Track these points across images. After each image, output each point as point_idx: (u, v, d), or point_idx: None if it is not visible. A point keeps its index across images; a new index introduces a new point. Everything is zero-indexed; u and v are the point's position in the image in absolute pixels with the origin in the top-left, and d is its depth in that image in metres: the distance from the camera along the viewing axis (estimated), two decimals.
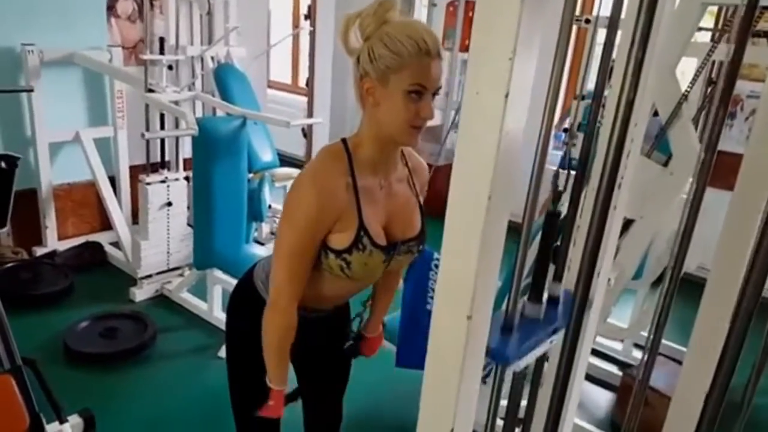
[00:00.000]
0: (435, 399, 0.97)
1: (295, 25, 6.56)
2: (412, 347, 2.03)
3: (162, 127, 3.60)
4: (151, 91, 3.22)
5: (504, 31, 0.77)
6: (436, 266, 1.97)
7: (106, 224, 3.97)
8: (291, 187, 1.30)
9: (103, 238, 4.01)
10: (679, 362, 2.81)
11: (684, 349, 3.10)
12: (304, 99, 6.33)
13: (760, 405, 2.34)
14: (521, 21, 0.76)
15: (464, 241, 0.86)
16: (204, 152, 2.94)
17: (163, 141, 3.58)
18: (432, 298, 2.04)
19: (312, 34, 5.70)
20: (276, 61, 6.93)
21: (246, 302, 1.48)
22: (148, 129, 3.37)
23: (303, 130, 6.22)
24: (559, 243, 1.18)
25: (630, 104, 0.85)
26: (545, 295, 1.14)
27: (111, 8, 3.96)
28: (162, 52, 3.75)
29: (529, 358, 1.08)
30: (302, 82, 6.64)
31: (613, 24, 1.03)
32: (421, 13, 5.29)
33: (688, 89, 2.27)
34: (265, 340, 1.36)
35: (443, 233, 0.88)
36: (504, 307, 1.06)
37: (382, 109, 1.23)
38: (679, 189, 2.28)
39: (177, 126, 3.62)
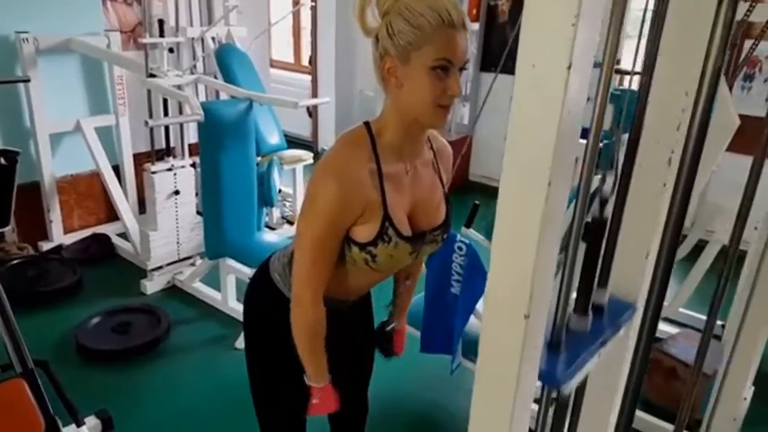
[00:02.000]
0: (490, 406, 0.88)
1: (296, 1, 6.37)
2: (437, 332, 1.97)
3: (165, 113, 3.49)
4: (152, 76, 3.10)
5: None
6: (459, 248, 1.88)
7: (113, 215, 3.89)
8: (311, 179, 1.20)
9: (110, 229, 3.93)
10: (717, 337, 2.77)
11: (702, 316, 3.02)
12: (308, 78, 6.20)
13: None
14: None
15: (521, 232, 0.76)
16: (211, 138, 2.82)
17: (167, 127, 3.47)
18: (457, 281, 1.96)
19: (313, 10, 5.54)
20: (277, 39, 6.76)
21: (263, 294, 1.43)
22: (151, 116, 3.26)
23: (308, 109, 6.09)
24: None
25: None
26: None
27: None
28: (162, 34, 3.61)
29: (579, 377, 0.98)
30: (305, 60, 6.48)
31: None
32: None
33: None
34: (297, 339, 1.29)
35: (495, 219, 0.78)
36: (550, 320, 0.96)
37: (405, 90, 1.13)
38: (714, 159, 2.16)
39: (181, 111, 3.50)
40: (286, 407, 1.48)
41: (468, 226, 2.34)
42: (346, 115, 5.90)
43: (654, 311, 0.82)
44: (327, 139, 6.02)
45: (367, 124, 1.23)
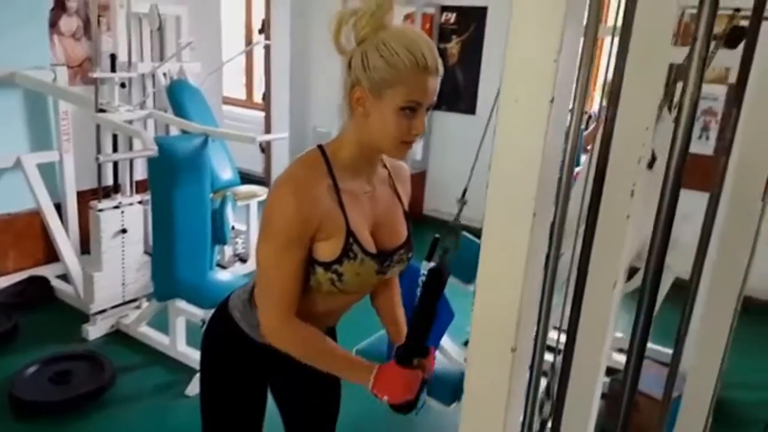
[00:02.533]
0: None
1: (248, 38, 6.38)
2: None
3: (115, 149, 3.36)
4: (102, 111, 2.99)
5: (549, 30, 0.66)
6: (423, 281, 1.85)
7: (52, 256, 3.68)
8: (267, 199, 1.18)
9: (48, 271, 3.70)
10: (664, 364, 2.81)
11: (666, 350, 3.08)
12: (260, 114, 6.17)
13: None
14: (566, 20, 0.65)
15: (507, 263, 0.74)
16: (164, 174, 2.72)
17: (116, 163, 3.34)
18: None
19: (267, 48, 5.55)
20: (228, 76, 6.72)
21: (222, 334, 1.37)
22: (99, 151, 3.13)
23: (261, 145, 6.03)
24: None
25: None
26: None
27: (54, 25, 3.69)
28: (113, 69, 3.51)
29: None
30: (257, 97, 6.45)
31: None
32: None
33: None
34: (299, 358, 1.23)
35: (481, 250, 0.76)
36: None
37: (371, 121, 1.14)
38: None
39: (131, 147, 3.39)
40: None
41: (429, 259, 2.33)
42: (300, 151, 5.82)
43: (638, 353, 0.81)
44: None
45: (320, 146, 1.22)
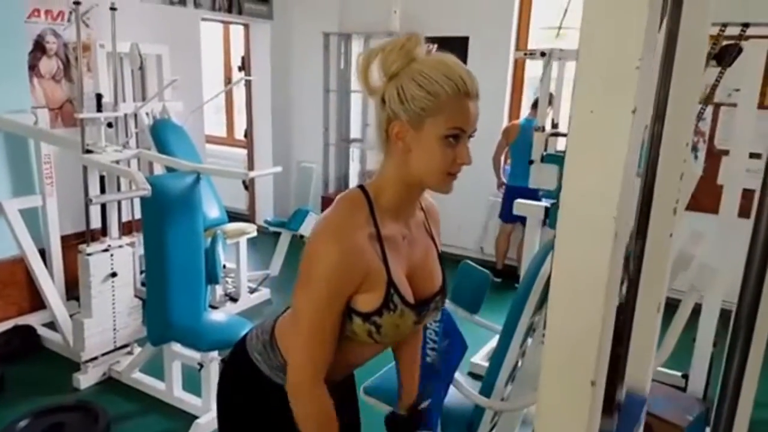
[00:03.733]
0: None
1: (227, 76, 6.38)
2: None
3: (102, 190, 3.29)
4: (89, 152, 2.92)
5: (632, 32, 0.63)
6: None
7: (37, 304, 3.56)
8: (308, 246, 1.11)
9: (33, 319, 3.57)
10: (677, 387, 2.80)
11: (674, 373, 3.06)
12: (243, 151, 6.13)
13: None
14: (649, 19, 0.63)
15: (586, 288, 0.70)
16: (157, 213, 2.66)
17: (104, 205, 3.26)
18: (432, 349, 1.86)
19: (248, 83, 5.55)
20: (208, 115, 6.68)
21: (242, 379, 1.31)
22: (87, 193, 3.05)
23: (244, 182, 5.99)
24: None
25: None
26: None
27: (33, 68, 3.64)
28: (99, 109, 3.47)
29: None
30: (238, 134, 6.42)
31: None
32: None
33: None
34: (303, 424, 1.16)
35: (552, 273, 0.73)
36: None
37: (414, 155, 1.10)
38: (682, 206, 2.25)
39: (119, 187, 3.31)
40: None
41: None
42: (284, 187, 5.83)
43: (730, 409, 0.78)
44: (265, 212, 5.90)
45: (361, 187, 1.17)
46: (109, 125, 3.57)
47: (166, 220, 2.67)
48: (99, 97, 3.49)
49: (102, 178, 3.37)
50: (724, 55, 2.23)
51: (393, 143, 1.11)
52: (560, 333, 0.74)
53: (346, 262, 1.07)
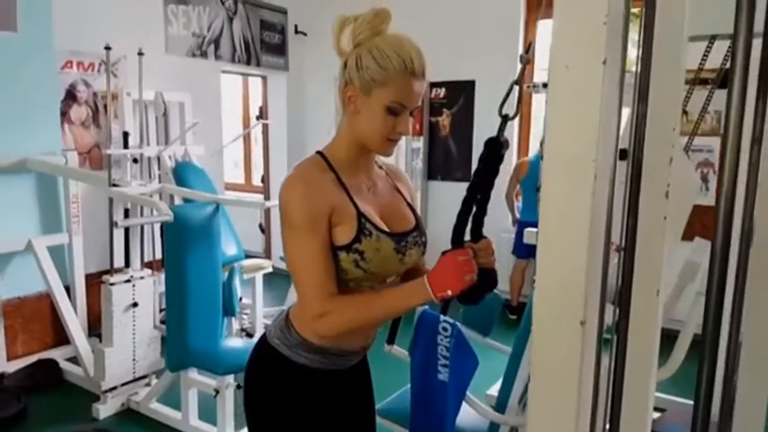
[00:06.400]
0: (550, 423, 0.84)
1: (246, 125, 6.63)
2: (427, 426, 1.82)
3: (126, 228, 3.43)
4: (115, 185, 3.08)
5: None
6: (444, 329, 1.82)
7: (59, 339, 3.66)
8: (280, 196, 1.24)
9: (56, 354, 3.66)
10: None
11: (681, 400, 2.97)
12: (260, 197, 6.28)
13: None
14: None
15: (570, 230, 0.78)
16: (179, 240, 2.78)
17: (127, 242, 3.40)
18: (444, 366, 1.86)
19: (265, 129, 5.78)
20: (226, 164, 6.91)
21: (265, 365, 1.38)
22: (111, 219, 3.18)
23: (260, 225, 6.12)
24: None
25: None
26: None
27: (64, 114, 3.88)
28: (126, 146, 3.68)
29: None
30: (255, 181, 6.60)
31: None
32: None
33: None
34: (358, 323, 1.24)
35: (539, 230, 0.80)
36: None
37: (361, 118, 1.25)
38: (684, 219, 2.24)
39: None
40: None
41: (444, 313, 2.32)
42: None
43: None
44: (281, 253, 5.99)
45: (318, 151, 1.31)
46: (135, 161, 3.76)
47: (187, 246, 2.78)
48: (126, 135, 3.70)
49: (126, 211, 3.53)
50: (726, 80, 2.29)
51: (346, 105, 1.26)
52: (549, 276, 0.81)
53: (312, 189, 1.21)
